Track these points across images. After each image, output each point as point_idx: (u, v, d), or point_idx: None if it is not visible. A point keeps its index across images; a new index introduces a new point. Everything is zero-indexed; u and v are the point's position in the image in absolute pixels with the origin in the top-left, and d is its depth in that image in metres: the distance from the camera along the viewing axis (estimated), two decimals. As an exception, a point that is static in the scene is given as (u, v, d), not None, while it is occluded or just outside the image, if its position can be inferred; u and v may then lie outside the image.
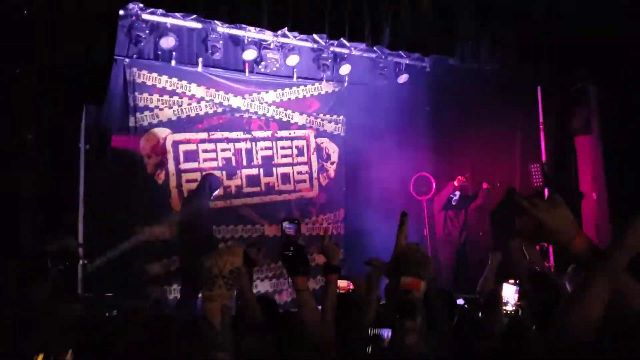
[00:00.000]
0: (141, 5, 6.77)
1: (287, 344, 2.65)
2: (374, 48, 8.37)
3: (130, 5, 6.82)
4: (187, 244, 6.71)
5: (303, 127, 8.66)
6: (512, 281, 3.99)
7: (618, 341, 1.35)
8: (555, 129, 9.04)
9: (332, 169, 8.86)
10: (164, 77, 7.49)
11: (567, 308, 1.49)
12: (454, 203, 8.85)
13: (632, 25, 7.09)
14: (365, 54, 8.69)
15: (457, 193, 8.81)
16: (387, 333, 2.47)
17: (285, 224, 2.34)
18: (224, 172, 7.96)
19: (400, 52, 8.56)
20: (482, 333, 3.28)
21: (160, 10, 7.06)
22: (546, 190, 8.53)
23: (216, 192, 7.26)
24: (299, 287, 2.36)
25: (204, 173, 7.52)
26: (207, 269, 1.64)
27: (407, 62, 8.96)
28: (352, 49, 8.52)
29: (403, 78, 8.97)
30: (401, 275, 1.64)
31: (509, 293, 3.98)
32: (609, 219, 7.86)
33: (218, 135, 7.95)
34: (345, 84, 8.86)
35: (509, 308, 4.22)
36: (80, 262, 5.82)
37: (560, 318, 1.50)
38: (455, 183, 8.84)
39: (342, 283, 2.78)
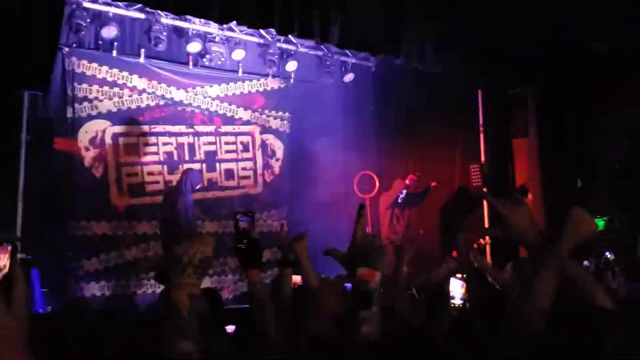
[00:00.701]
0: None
1: (239, 339, 2.65)
2: (321, 46, 8.56)
3: (71, -8, 6.73)
4: (170, 240, 6.64)
5: (248, 122, 8.69)
6: (459, 276, 4.19)
7: (569, 331, 1.40)
8: (494, 131, 9.50)
9: (277, 166, 8.94)
10: (105, 68, 7.38)
11: (517, 300, 1.56)
12: (399, 201, 9.11)
13: (569, 33, 7.55)
14: (312, 52, 8.84)
15: (404, 192, 9.05)
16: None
17: (239, 217, 2.32)
18: (165, 167, 7.90)
19: (347, 51, 8.78)
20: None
21: (102, -1, 7.00)
22: (484, 190, 8.95)
23: (197, 187, 7.25)
24: (253, 279, 2.39)
25: (184, 168, 7.51)
26: (178, 256, 1.63)
27: (354, 61, 9.17)
28: (299, 45, 8.65)
29: (349, 77, 9.18)
30: (357, 266, 1.69)
31: (456, 287, 4.21)
32: (544, 219, 8.30)
33: (160, 128, 7.89)
34: (292, 81, 8.94)
35: (457, 302, 4.46)
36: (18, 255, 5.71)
37: (510, 310, 1.57)
38: (407, 182, 9.07)
39: (296, 278, 2.88)
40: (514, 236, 1.65)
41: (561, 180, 8.57)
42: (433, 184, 9.08)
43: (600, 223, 8.23)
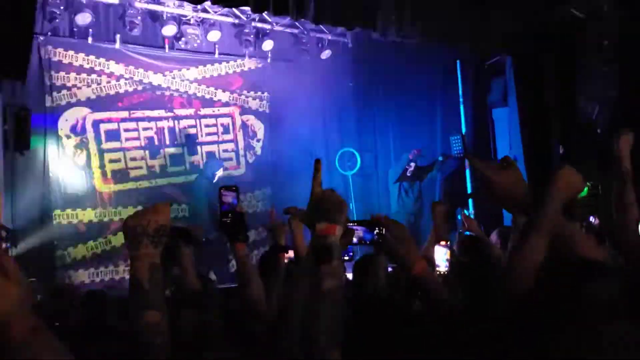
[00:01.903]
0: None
1: (229, 317, 2.73)
2: (296, 23, 8.78)
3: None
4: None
5: (227, 104, 8.92)
6: (443, 243, 4.45)
7: (559, 286, 1.43)
8: (474, 101, 9.84)
9: (258, 147, 9.17)
10: (81, 55, 7.57)
11: (510, 261, 1.60)
12: (409, 175, 9.30)
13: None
14: (288, 30, 9.03)
15: (413, 164, 9.22)
16: None
17: (223, 191, 2.32)
18: (147, 152, 8.13)
19: (323, 27, 9.02)
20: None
21: (74, -15, 7.15)
22: (466, 161, 9.30)
23: (217, 173, 7.60)
24: (239, 254, 2.51)
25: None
26: (131, 228, 1.62)
27: (330, 37, 9.37)
28: (274, 24, 8.83)
29: (326, 54, 9.37)
30: (317, 221, 1.67)
31: (440, 255, 4.50)
32: (528, 187, 8.61)
33: (139, 113, 8.10)
34: (269, 60, 9.13)
35: (442, 269, 4.72)
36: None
37: (504, 271, 1.63)
38: (410, 156, 9.26)
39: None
40: (501, 199, 1.67)
41: (543, 147, 8.89)
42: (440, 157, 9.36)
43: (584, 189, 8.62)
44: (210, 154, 8.71)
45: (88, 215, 7.55)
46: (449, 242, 4.79)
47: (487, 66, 9.86)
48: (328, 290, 1.57)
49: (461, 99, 9.88)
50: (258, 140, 9.21)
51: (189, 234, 2.84)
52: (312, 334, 1.43)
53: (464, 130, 9.75)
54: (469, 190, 9.26)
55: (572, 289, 1.31)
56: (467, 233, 5.55)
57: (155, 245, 1.61)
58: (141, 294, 1.59)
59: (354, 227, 1.91)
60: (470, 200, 9.08)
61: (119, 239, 7.69)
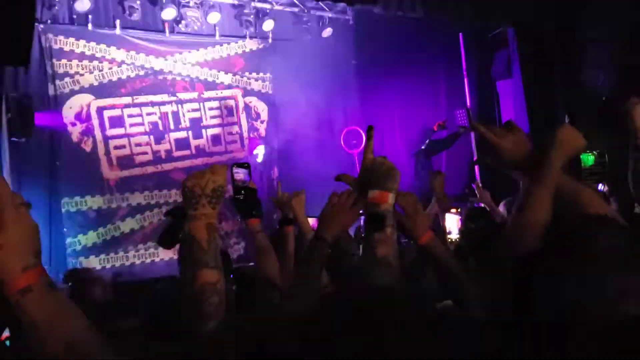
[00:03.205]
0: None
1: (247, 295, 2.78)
2: (296, 2, 8.83)
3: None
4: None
5: (230, 86, 8.97)
6: (454, 211, 4.52)
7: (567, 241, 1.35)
8: (478, 74, 9.89)
9: (262, 128, 9.23)
10: (82, 42, 7.63)
11: (515, 218, 1.61)
12: (424, 147, 9.16)
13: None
14: (288, 9, 9.07)
15: (427, 140, 9.17)
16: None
17: (235, 169, 2.37)
18: (151, 137, 8.22)
19: (323, 5, 9.06)
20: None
21: (72, -28, 7.21)
22: (471, 134, 9.38)
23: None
24: (253, 229, 2.61)
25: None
26: (189, 189, 1.66)
27: (330, 15, 9.39)
28: (274, 3, 8.87)
29: (327, 32, 9.39)
30: (368, 189, 1.71)
31: (452, 222, 4.58)
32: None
33: (142, 99, 8.18)
34: (270, 41, 9.17)
35: (453, 237, 4.78)
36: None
37: (510, 228, 1.63)
38: (434, 128, 9.30)
39: (311, 220, 3.13)
40: (507, 162, 1.68)
41: (548, 118, 8.94)
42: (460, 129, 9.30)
43: (590, 158, 8.70)
44: (215, 137, 8.80)
45: (97, 202, 7.67)
46: (459, 210, 4.88)
47: (490, 38, 9.91)
48: (382, 257, 1.63)
49: (465, 72, 9.93)
50: (262, 122, 9.28)
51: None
52: None
53: (468, 103, 9.82)
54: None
55: (581, 242, 1.25)
56: (476, 205, 5.66)
57: (213, 206, 1.67)
58: (200, 252, 1.62)
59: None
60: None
61: (127, 225, 7.85)
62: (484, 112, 9.74)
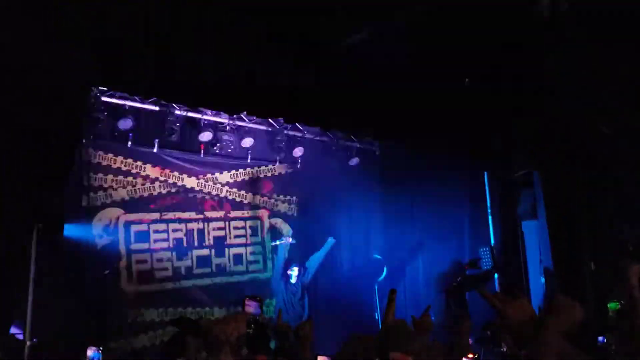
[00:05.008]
0: (101, 88, 7.41)
1: None
2: (327, 132, 9.24)
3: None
4: None
5: (257, 207, 9.21)
6: (470, 356, 4.46)
7: None
8: (503, 213, 9.98)
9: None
10: (120, 158, 7.97)
11: None
12: (457, 284, 8.97)
13: (570, 111, 8.10)
14: (318, 138, 9.47)
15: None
16: None
17: (247, 301, 2.46)
18: (173, 253, 8.34)
19: (351, 136, 9.46)
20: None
21: (118, 93, 7.63)
22: (495, 274, 9.34)
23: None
24: None
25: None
26: (214, 336, 1.77)
27: (358, 145, 9.79)
28: (305, 132, 9.30)
29: (354, 161, 9.74)
30: (390, 350, 1.79)
31: None
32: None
33: (170, 215, 8.39)
34: (299, 166, 9.53)
35: None
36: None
37: None
38: (465, 266, 9.24)
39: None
40: (509, 329, 1.75)
41: (573, 262, 8.87)
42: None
43: (614, 305, 8.56)
44: (237, 257, 8.91)
45: (112, 315, 7.67)
46: (477, 356, 4.79)
47: (516, 178, 10.08)
48: None
49: (489, 210, 10.04)
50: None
51: (198, 325, 2.96)
52: None
53: (492, 241, 9.85)
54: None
55: None
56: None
57: (234, 354, 1.79)
58: None
59: None
60: None
61: (140, 342, 7.79)
62: (509, 252, 9.72)
